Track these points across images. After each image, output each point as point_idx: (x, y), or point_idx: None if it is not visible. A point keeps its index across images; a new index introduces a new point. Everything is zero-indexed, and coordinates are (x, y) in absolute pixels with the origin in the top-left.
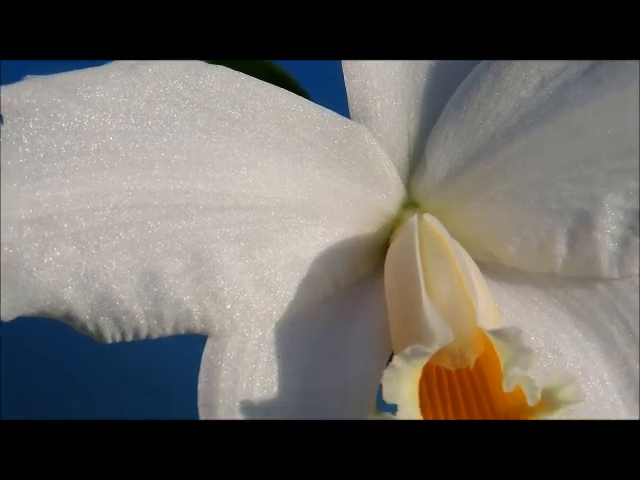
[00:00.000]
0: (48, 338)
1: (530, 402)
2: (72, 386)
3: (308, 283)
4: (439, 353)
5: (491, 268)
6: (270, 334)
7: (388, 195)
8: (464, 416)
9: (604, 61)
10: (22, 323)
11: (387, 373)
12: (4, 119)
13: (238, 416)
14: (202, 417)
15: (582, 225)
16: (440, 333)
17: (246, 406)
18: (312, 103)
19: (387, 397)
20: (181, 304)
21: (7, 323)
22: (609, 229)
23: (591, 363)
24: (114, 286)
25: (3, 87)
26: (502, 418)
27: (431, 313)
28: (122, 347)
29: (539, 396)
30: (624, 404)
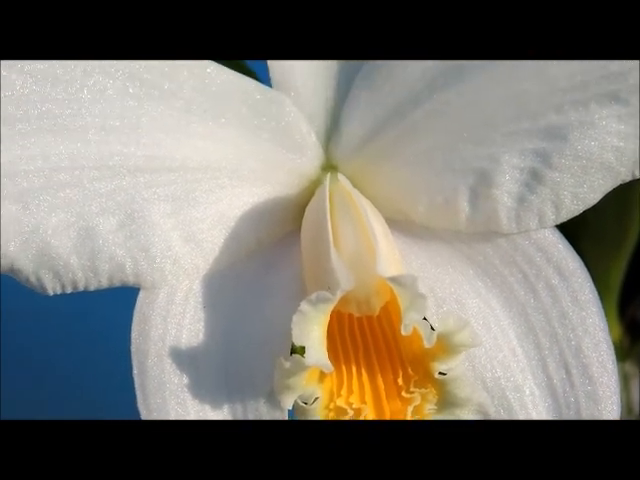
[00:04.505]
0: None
1: (427, 344)
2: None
3: (233, 239)
4: (346, 300)
5: (403, 225)
6: (197, 286)
7: (307, 158)
8: (374, 360)
9: None
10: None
11: (296, 317)
12: None
13: (167, 361)
14: (134, 363)
15: (482, 183)
16: (343, 280)
17: (174, 352)
18: (237, 74)
19: (296, 340)
20: (115, 258)
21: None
22: (507, 186)
23: (492, 312)
24: (53, 241)
25: None
26: (410, 361)
27: (336, 262)
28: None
29: (435, 339)
30: (522, 350)
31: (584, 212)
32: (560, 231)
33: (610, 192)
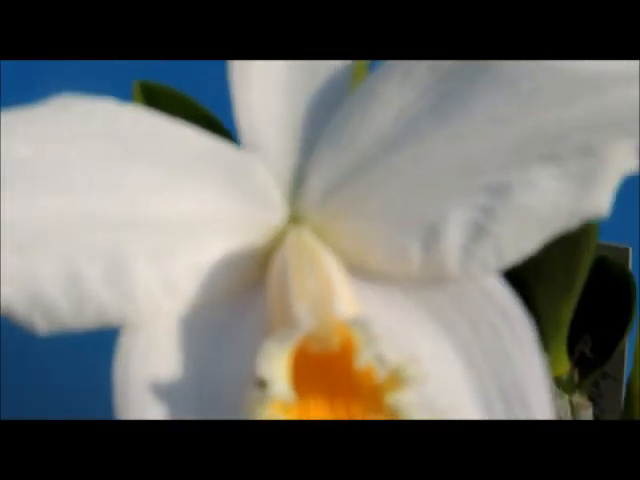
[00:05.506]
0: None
1: (380, 378)
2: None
3: (208, 286)
4: (307, 338)
5: (361, 271)
6: (174, 328)
7: (275, 213)
8: (333, 391)
9: (450, 95)
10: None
11: (262, 354)
12: None
13: (147, 395)
14: (117, 396)
15: (432, 236)
16: (304, 320)
17: (153, 387)
18: (211, 136)
19: (262, 374)
20: (100, 302)
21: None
22: (454, 238)
23: (440, 348)
24: (45, 287)
25: None
26: (366, 393)
27: (297, 305)
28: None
29: (388, 373)
30: (468, 383)
31: (537, 260)
32: (516, 277)
33: (560, 242)
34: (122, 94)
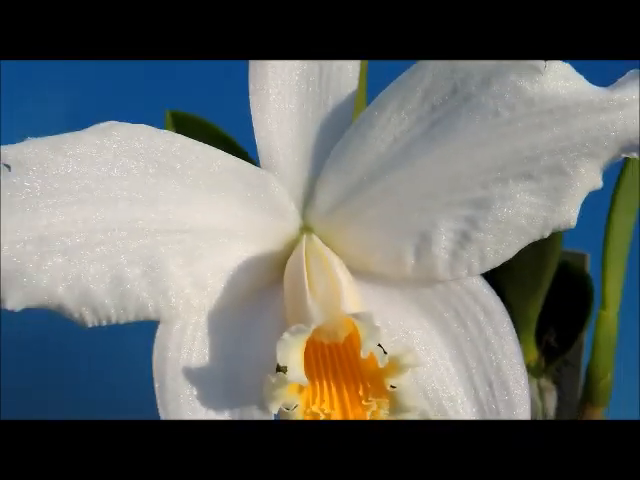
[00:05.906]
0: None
1: (381, 365)
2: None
3: (231, 285)
4: (318, 331)
5: (364, 273)
6: (203, 320)
7: (288, 223)
8: (340, 377)
9: (439, 123)
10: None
11: (279, 344)
12: (11, 169)
13: (181, 376)
14: (155, 379)
15: (424, 242)
16: (315, 316)
17: (186, 370)
18: (233, 156)
19: (280, 361)
20: (139, 299)
21: (6, 324)
22: (443, 245)
23: (432, 340)
24: (92, 286)
25: (9, 146)
26: (368, 378)
27: (310, 303)
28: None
29: (387, 361)
30: (455, 369)
31: (510, 263)
32: (492, 277)
33: (530, 248)
34: (154, 121)
